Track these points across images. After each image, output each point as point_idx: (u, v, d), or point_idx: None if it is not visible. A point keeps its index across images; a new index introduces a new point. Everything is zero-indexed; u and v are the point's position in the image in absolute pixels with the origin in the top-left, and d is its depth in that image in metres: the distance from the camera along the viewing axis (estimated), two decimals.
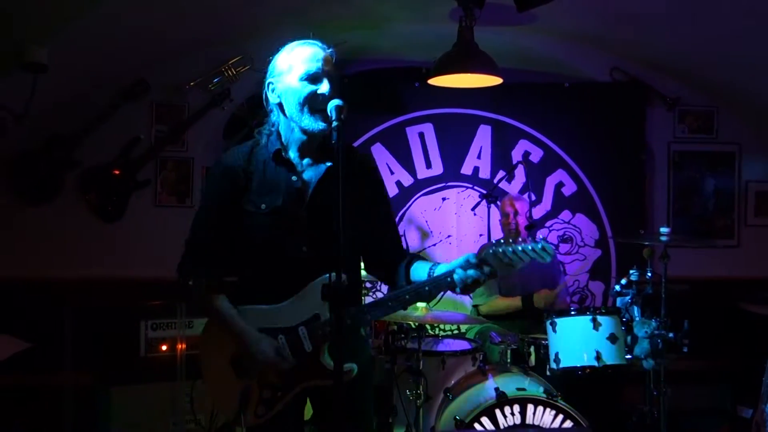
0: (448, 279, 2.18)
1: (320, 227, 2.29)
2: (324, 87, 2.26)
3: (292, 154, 2.37)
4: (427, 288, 2.23)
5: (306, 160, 2.37)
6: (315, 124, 2.27)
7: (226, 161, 2.40)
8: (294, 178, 2.34)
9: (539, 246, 2.11)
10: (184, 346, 4.41)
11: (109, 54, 4.43)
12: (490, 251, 2.15)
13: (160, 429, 4.28)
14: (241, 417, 2.28)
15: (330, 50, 2.35)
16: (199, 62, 4.97)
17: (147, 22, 4.21)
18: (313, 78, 2.27)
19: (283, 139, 2.38)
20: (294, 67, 2.29)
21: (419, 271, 2.34)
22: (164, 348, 4.44)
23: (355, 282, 2.44)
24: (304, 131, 2.31)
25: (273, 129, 2.40)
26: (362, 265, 2.59)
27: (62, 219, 4.96)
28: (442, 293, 2.31)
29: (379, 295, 4.95)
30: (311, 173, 2.36)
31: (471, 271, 2.15)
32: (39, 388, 4.44)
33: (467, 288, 2.17)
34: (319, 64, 2.29)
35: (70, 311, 4.49)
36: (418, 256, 2.46)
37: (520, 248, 2.12)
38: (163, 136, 5.09)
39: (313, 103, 2.26)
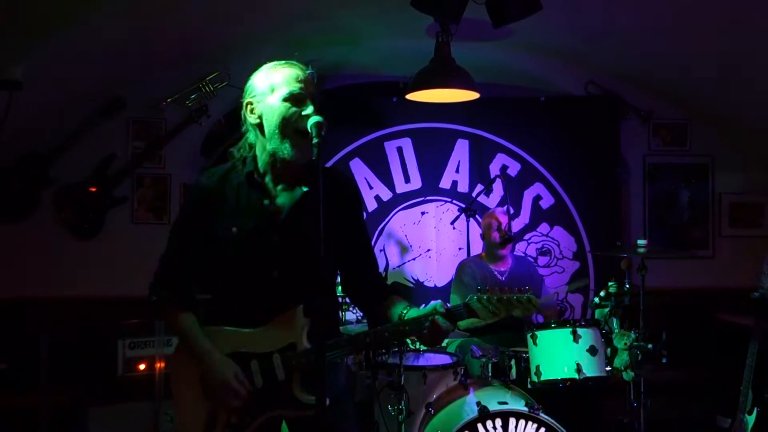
0: (426, 323, 2.19)
1: (292, 252, 2.26)
2: (308, 109, 2.22)
3: (267, 178, 2.33)
4: (407, 327, 2.23)
5: (280, 186, 2.33)
6: (294, 151, 2.23)
7: (202, 183, 2.37)
8: (266, 201, 2.30)
9: (525, 297, 2.19)
10: (162, 364, 4.36)
11: (85, 71, 4.40)
12: (475, 298, 2.19)
13: None
14: None
15: (310, 71, 2.31)
16: (176, 78, 4.93)
17: (123, 39, 4.18)
18: (296, 99, 2.23)
19: (258, 162, 2.33)
20: (276, 87, 2.25)
21: (395, 312, 2.34)
22: (142, 367, 4.40)
23: (331, 308, 2.45)
24: (283, 154, 2.25)
25: (248, 154, 2.35)
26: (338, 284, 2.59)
27: (38, 237, 4.91)
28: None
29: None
30: (285, 197, 2.32)
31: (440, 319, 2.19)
32: (15, 409, 4.36)
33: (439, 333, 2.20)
34: (302, 85, 2.25)
35: (46, 330, 4.42)
36: (395, 293, 2.45)
37: (505, 298, 2.18)
38: (140, 152, 5.06)
39: (297, 124, 2.22)
